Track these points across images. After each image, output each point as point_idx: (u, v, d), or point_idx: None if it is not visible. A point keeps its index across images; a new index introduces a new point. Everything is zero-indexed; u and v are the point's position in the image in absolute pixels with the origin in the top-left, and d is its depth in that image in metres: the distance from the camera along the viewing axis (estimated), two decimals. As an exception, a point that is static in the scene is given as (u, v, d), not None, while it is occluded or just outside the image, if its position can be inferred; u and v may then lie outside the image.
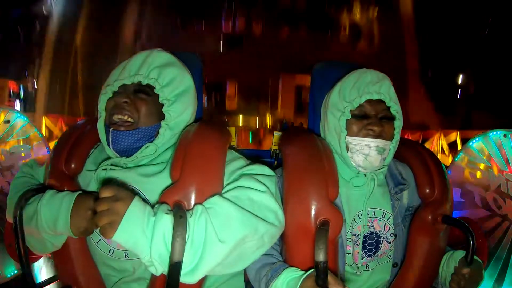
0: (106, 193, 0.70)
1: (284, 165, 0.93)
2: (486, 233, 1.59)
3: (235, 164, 0.88)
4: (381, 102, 0.95)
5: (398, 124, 0.96)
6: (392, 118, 0.96)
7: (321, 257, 0.73)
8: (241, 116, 3.70)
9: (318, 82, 1.19)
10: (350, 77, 0.99)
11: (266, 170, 0.88)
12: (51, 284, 1.00)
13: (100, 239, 0.89)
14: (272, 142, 1.43)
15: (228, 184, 0.83)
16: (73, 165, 0.91)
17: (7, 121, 1.80)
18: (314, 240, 0.78)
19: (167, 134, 0.90)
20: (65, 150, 0.93)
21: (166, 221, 0.70)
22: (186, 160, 0.81)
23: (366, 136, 0.93)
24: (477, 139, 1.71)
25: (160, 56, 0.92)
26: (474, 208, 1.66)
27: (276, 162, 1.40)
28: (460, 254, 0.91)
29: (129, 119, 0.87)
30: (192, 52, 1.19)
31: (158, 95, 0.89)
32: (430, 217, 0.93)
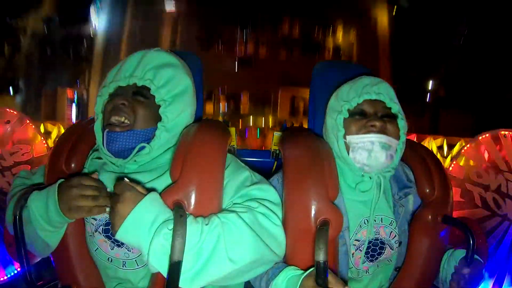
0: (115, 190, 0.74)
1: (284, 165, 0.93)
2: (486, 233, 1.59)
3: (242, 176, 0.87)
4: (380, 102, 0.91)
5: (402, 124, 0.92)
6: (394, 117, 0.92)
7: (321, 257, 0.73)
8: (251, 117, 5.02)
9: (318, 81, 1.19)
10: (346, 84, 0.97)
11: (275, 197, 0.87)
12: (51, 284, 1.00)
13: (97, 247, 0.89)
14: (272, 142, 1.43)
15: (236, 202, 0.82)
16: (73, 165, 0.91)
17: (8, 121, 1.80)
18: (314, 240, 0.78)
19: (164, 136, 0.88)
20: (65, 150, 0.93)
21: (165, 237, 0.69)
22: (186, 159, 0.81)
23: (367, 133, 0.89)
24: (477, 139, 1.71)
25: (156, 56, 0.90)
26: (474, 208, 1.66)
27: (276, 162, 1.40)
28: (460, 253, 0.91)
29: (126, 121, 0.85)
30: (191, 52, 1.19)
31: (155, 97, 0.87)
32: (430, 217, 0.93)
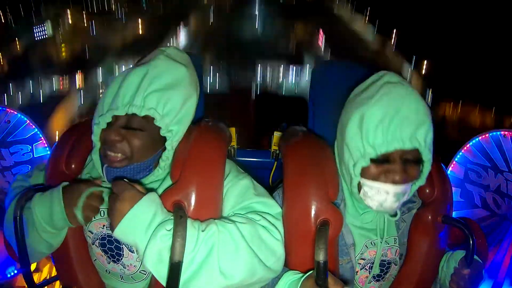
0: (114, 189, 0.73)
1: (284, 165, 0.93)
2: (486, 233, 1.59)
3: (242, 182, 0.85)
4: None
5: (427, 168, 0.83)
6: (420, 162, 0.82)
7: (321, 256, 0.73)
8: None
9: (318, 82, 1.19)
10: (378, 105, 0.79)
11: (278, 212, 0.85)
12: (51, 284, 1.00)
13: (96, 259, 0.90)
14: (272, 142, 1.43)
15: (237, 213, 0.81)
16: (73, 165, 0.92)
17: (8, 121, 1.80)
18: (314, 240, 0.78)
19: (170, 155, 0.84)
20: (66, 150, 0.93)
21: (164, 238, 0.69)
22: (186, 160, 0.81)
23: (385, 182, 0.81)
24: (477, 139, 1.71)
25: (160, 74, 0.79)
26: (474, 208, 1.67)
27: (276, 162, 1.40)
28: (460, 254, 0.90)
29: (122, 156, 0.79)
30: (192, 53, 1.19)
31: (155, 124, 0.79)
32: (430, 217, 0.93)
